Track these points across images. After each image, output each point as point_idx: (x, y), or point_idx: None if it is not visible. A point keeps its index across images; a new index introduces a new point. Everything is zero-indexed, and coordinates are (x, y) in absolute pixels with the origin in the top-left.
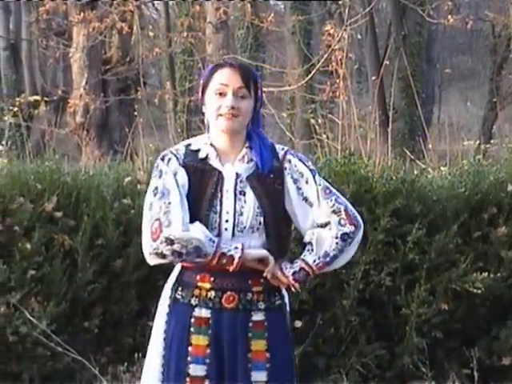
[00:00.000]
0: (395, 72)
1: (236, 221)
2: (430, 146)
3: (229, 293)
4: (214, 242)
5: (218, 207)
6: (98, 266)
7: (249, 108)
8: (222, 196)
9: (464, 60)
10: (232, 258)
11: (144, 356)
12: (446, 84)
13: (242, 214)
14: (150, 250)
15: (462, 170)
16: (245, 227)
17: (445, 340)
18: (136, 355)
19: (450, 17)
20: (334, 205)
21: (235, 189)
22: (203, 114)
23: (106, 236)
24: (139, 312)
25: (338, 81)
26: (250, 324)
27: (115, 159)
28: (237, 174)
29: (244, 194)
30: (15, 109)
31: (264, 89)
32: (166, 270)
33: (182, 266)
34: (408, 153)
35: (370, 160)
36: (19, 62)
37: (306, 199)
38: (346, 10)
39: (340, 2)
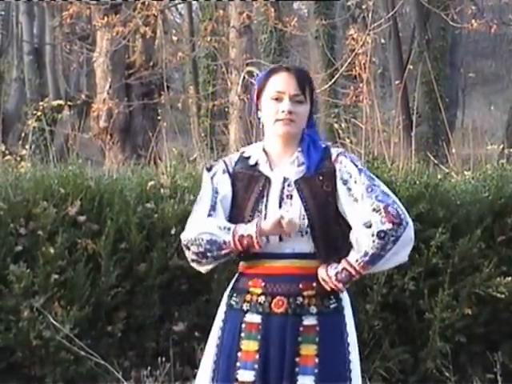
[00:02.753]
0: (419, 76)
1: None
2: (454, 150)
3: (278, 297)
4: (229, 228)
5: (263, 212)
6: (121, 270)
7: (305, 113)
8: (267, 201)
9: (488, 64)
10: (250, 236)
11: (167, 360)
12: (470, 88)
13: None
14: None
15: (486, 174)
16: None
17: (468, 344)
18: (159, 359)
19: (473, 21)
20: (373, 203)
21: (281, 193)
22: (259, 118)
23: (130, 240)
24: (162, 316)
25: (361, 85)
26: (301, 328)
27: (138, 163)
28: (284, 178)
29: (291, 198)
30: (39, 113)
31: None
32: (189, 274)
33: (239, 272)
34: (431, 157)
35: (394, 164)
36: (43, 66)
37: (356, 200)
38: (370, 15)
39: (363, 7)
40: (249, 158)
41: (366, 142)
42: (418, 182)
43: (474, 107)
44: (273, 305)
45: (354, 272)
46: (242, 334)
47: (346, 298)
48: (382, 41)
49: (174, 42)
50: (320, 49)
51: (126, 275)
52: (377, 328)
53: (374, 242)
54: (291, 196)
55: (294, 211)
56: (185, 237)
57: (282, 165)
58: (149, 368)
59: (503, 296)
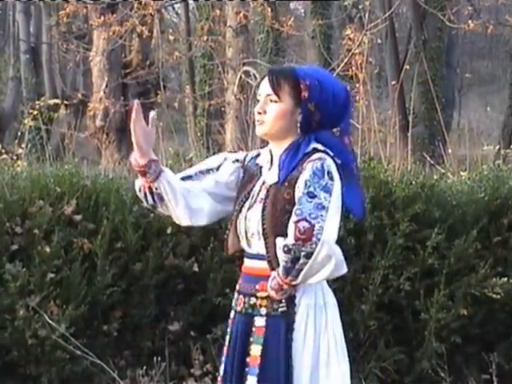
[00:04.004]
0: (415, 76)
1: (246, 226)
2: (450, 150)
3: (241, 296)
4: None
5: (238, 211)
6: (117, 269)
7: (278, 112)
8: (248, 203)
9: (484, 65)
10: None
11: (163, 360)
12: (466, 89)
13: (250, 220)
14: None
15: (482, 175)
16: (252, 234)
17: (464, 345)
18: (155, 359)
19: (470, 22)
20: (294, 215)
21: (257, 196)
22: None
23: (126, 239)
24: (158, 316)
25: (357, 85)
26: (254, 329)
27: None
28: (263, 181)
29: (259, 202)
30: (35, 112)
31: None
32: (185, 274)
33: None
34: (428, 157)
35: (390, 164)
36: (39, 65)
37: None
38: (367, 15)
39: (360, 7)
40: (258, 155)
41: (363, 142)
42: (414, 183)
43: (471, 108)
44: (237, 302)
45: (280, 281)
46: (228, 329)
47: (303, 303)
48: (379, 41)
49: (171, 42)
50: (316, 49)
51: (121, 274)
52: (372, 328)
53: (281, 254)
54: (260, 200)
55: (255, 215)
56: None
57: (274, 167)
58: (144, 367)
59: (499, 297)
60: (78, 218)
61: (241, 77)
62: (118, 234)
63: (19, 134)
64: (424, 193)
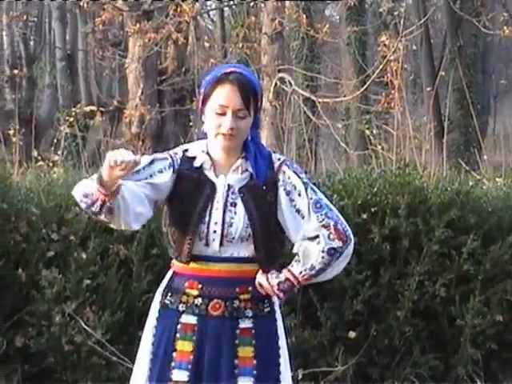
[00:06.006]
0: (450, 83)
1: (225, 232)
2: (485, 156)
3: (215, 300)
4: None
5: (207, 218)
6: (152, 275)
7: (247, 126)
8: (212, 207)
9: None
10: (100, 174)
11: None
12: (501, 95)
13: (231, 225)
14: None
15: None
16: (233, 238)
17: (499, 351)
18: None
19: (505, 28)
20: (323, 219)
21: (226, 200)
22: (203, 122)
23: (161, 246)
24: None
25: (393, 91)
26: (238, 331)
27: None
28: (228, 185)
29: (235, 206)
30: (71, 119)
31: (319, 99)
32: None
33: (174, 272)
34: (463, 164)
35: (425, 171)
36: (75, 72)
37: (298, 211)
38: (402, 21)
39: (395, 13)
40: (193, 158)
41: (398, 148)
42: (449, 189)
43: (506, 114)
44: (210, 307)
45: (296, 283)
46: (178, 335)
47: (276, 302)
48: (414, 47)
49: (206, 49)
50: (352, 55)
51: (157, 281)
52: (408, 334)
53: (323, 257)
54: (235, 204)
55: (238, 219)
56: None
57: (225, 171)
58: None
59: None
60: None
61: (276, 83)
62: (153, 241)
63: (55, 140)
64: (459, 199)
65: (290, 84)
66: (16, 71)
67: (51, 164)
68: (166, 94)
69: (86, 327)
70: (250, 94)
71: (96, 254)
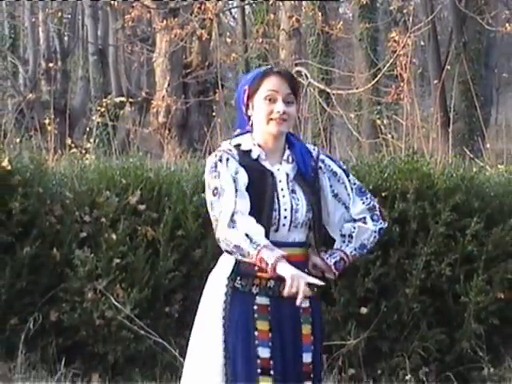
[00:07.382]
0: (456, 76)
1: (293, 217)
2: (488, 145)
3: (285, 282)
4: (257, 246)
5: (277, 205)
6: (178, 255)
7: (295, 112)
8: (278, 195)
9: None
10: (267, 264)
11: None
12: (504, 87)
13: (297, 211)
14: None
15: None
16: (299, 223)
17: (501, 326)
18: None
19: (507, 25)
20: (370, 202)
21: (288, 188)
22: (249, 117)
23: (186, 227)
24: None
25: (402, 84)
26: (301, 310)
27: (194, 156)
28: (287, 174)
29: (295, 193)
30: (102, 109)
31: (333, 91)
32: None
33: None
34: (467, 152)
35: (432, 158)
36: (106, 66)
37: (335, 196)
38: (410, 19)
39: (405, 11)
40: (249, 151)
41: (407, 137)
42: (454, 175)
43: (508, 105)
44: (281, 289)
45: (347, 262)
46: (256, 315)
47: None
48: (422, 43)
49: (228, 44)
50: (364, 50)
51: (182, 260)
52: (416, 310)
53: (374, 237)
54: (295, 191)
55: (301, 205)
56: (217, 234)
57: (277, 161)
58: None
59: None
60: (142, 207)
61: None
62: (179, 223)
63: (88, 129)
64: (464, 184)
65: (306, 77)
66: (51, 65)
67: (84, 151)
68: (190, 86)
69: (115, 303)
70: (295, 82)
71: (125, 235)
